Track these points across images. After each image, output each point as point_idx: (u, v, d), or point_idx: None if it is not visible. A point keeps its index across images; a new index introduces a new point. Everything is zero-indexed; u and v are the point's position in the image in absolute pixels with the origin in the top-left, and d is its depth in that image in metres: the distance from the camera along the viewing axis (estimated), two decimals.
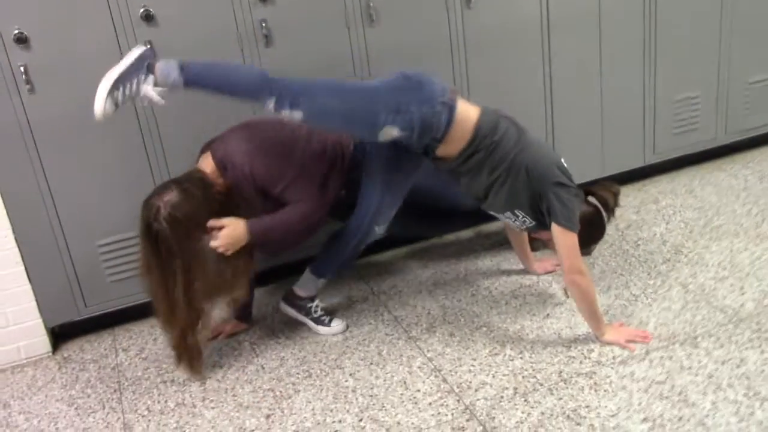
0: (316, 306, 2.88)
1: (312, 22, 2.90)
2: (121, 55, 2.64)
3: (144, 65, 2.37)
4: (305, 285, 2.85)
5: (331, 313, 2.95)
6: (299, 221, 2.60)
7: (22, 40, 2.58)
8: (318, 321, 2.87)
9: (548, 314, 2.78)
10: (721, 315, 2.64)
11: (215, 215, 2.50)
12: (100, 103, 2.30)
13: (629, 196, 3.66)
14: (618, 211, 3.46)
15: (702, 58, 3.62)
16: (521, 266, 3.12)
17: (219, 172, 2.56)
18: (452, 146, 2.52)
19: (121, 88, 2.33)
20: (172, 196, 2.43)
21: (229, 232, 2.51)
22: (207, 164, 2.59)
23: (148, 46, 2.45)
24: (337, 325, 2.87)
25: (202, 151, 2.66)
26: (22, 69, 2.61)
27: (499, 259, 3.23)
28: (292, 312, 2.90)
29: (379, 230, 2.76)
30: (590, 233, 2.65)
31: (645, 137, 3.65)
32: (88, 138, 2.76)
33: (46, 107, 2.67)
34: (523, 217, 2.62)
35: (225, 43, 2.82)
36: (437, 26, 3.09)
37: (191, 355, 2.63)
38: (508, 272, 3.13)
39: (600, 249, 3.19)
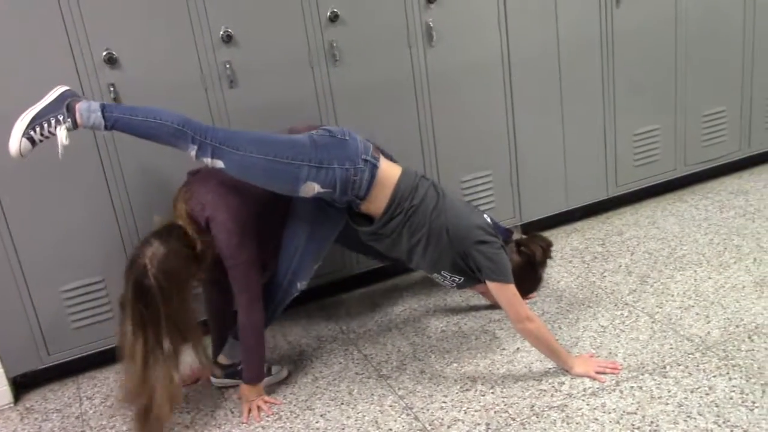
0: None
1: (276, 62, 2.92)
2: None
3: (63, 105, 2.31)
4: (231, 353, 2.74)
5: (268, 361, 2.81)
6: (256, 331, 2.58)
7: None
8: None
9: (518, 348, 2.78)
10: (689, 344, 2.66)
11: (197, 266, 2.46)
12: (15, 143, 2.28)
13: (594, 229, 3.70)
14: (583, 244, 3.53)
15: (659, 92, 3.71)
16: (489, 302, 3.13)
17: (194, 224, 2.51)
18: (374, 205, 2.52)
19: (37, 128, 2.29)
20: (155, 249, 2.36)
21: (250, 405, 2.60)
22: (182, 212, 2.53)
23: (69, 88, 2.39)
24: (278, 371, 2.80)
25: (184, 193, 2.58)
26: None
27: (467, 295, 3.23)
28: (225, 382, 2.77)
29: (301, 286, 2.69)
30: (522, 285, 2.62)
31: (607, 170, 3.71)
32: (50, 183, 2.73)
33: (6, 153, 2.62)
34: (451, 276, 2.64)
35: (189, 86, 2.82)
36: (400, 65, 3.13)
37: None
38: (477, 308, 3.13)
39: (567, 281, 3.22)
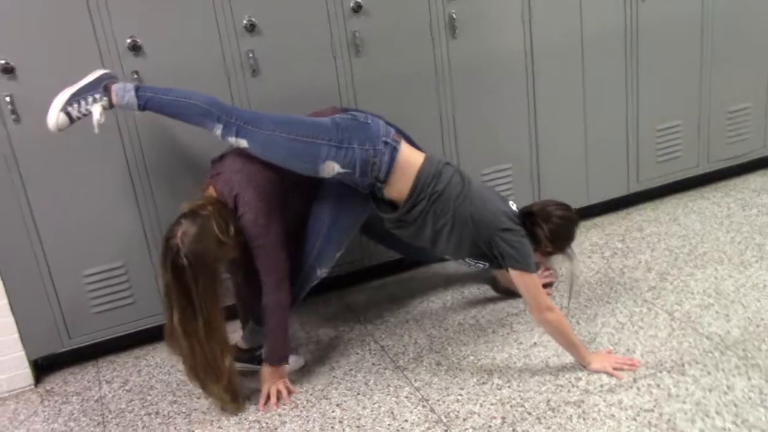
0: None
1: (298, 52, 2.92)
2: None
3: (101, 86, 2.45)
4: (250, 337, 2.78)
5: None
6: (282, 311, 2.59)
7: (8, 70, 2.58)
8: None
9: (535, 342, 2.78)
10: (708, 342, 2.64)
11: (228, 247, 2.47)
12: (53, 117, 2.42)
13: (614, 224, 3.68)
14: (603, 239, 3.51)
15: (683, 88, 3.67)
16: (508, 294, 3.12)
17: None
18: (397, 190, 2.53)
19: (75, 105, 2.43)
20: (185, 229, 2.39)
21: (270, 388, 2.62)
22: (210, 195, 2.57)
23: (108, 71, 2.54)
24: (295, 360, 2.81)
25: (210, 178, 2.61)
26: (8, 99, 2.61)
27: (485, 288, 3.23)
28: (243, 367, 2.77)
29: (321, 273, 2.70)
30: (569, 233, 2.67)
31: (629, 166, 3.68)
32: (73, 168, 2.76)
33: (31, 137, 2.65)
34: (476, 263, 2.64)
35: (212, 74, 2.83)
36: (423, 56, 3.12)
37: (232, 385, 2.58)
38: (495, 301, 3.12)
39: (586, 277, 3.20)
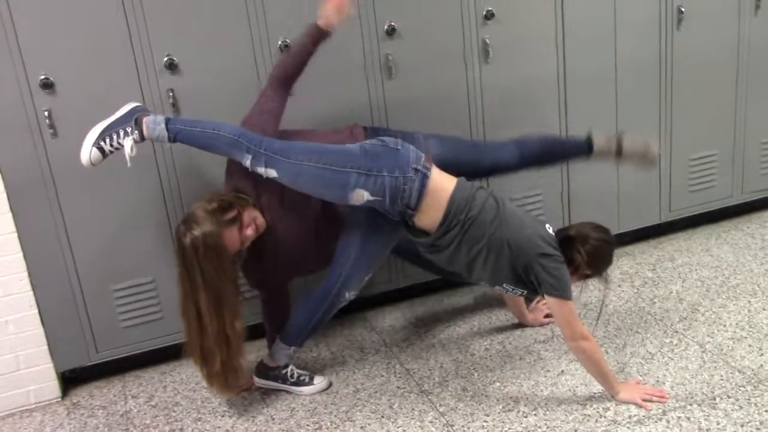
0: (291, 370, 2.81)
1: (331, 73, 2.94)
2: (144, 101, 2.71)
3: (132, 119, 2.47)
4: (276, 355, 2.80)
5: (311, 370, 2.89)
6: None
7: (47, 85, 2.64)
8: (298, 383, 2.80)
9: (563, 370, 2.74)
10: (740, 376, 2.59)
11: (225, 214, 2.51)
12: (86, 152, 2.45)
13: (645, 253, 3.64)
14: (634, 268, 3.47)
15: (718, 118, 3.64)
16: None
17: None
18: (429, 217, 2.50)
19: (107, 139, 2.46)
20: (191, 212, 2.49)
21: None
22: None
23: (139, 104, 2.56)
24: (320, 381, 2.82)
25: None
26: (46, 113, 2.66)
27: (512, 314, 3.20)
28: (268, 384, 2.82)
29: (350, 296, 2.71)
30: (606, 255, 2.62)
31: (661, 195, 3.65)
32: (107, 183, 2.79)
33: (67, 151, 2.68)
34: (514, 289, 2.61)
35: (245, 92, 2.84)
36: (455, 80, 3.13)
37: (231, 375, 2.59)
38: (522, 327, 3.09)
39: (615, 306, 3.16)
